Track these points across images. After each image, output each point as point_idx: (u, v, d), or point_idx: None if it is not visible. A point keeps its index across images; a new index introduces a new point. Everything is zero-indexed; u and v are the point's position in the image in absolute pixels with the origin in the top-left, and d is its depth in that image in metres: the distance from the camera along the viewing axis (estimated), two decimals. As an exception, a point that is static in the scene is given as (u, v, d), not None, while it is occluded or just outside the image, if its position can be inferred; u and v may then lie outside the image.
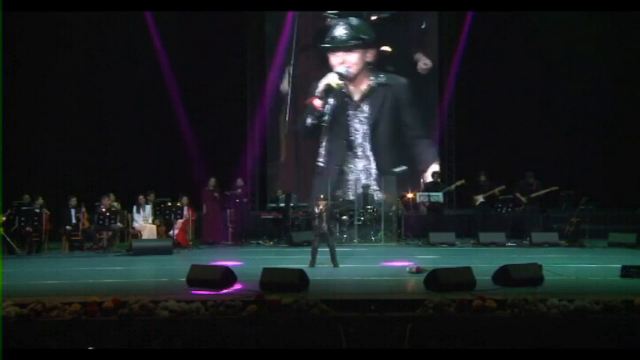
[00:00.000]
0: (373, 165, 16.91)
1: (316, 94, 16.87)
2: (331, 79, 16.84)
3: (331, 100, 16.85)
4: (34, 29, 15.39)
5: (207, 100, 16.19)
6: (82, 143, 15.89)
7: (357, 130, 16.95)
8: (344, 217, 14.31)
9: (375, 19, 16.86)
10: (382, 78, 16.88)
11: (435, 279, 7.38)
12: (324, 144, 17.00)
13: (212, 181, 14.52)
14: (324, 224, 10.00)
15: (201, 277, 7.67)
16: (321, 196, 10.78)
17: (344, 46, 16.80)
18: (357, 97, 16.96)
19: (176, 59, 15.94)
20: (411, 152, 16.92)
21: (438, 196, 14.43)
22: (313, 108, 16.96)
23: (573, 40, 15.99)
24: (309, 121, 17.01)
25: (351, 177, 16.80)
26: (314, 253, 9.97)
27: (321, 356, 5.88)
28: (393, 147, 16.97)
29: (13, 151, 14.44)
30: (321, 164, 16.86)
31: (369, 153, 16.94)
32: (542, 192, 14.09)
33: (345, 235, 14.44)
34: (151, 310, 6.30)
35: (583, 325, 6.24)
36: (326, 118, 16.88)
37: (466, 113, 16.80)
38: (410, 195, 15.13)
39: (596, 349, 6.00)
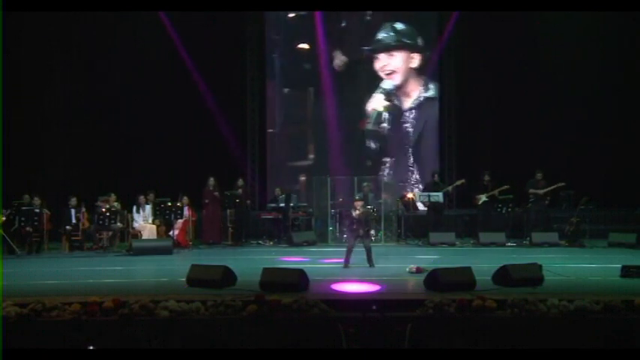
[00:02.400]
0: (416, 177, 16.92)
1: (367, 119, 16.97)
2: (377, 104, 16.91)
3: (386, 116, 16.94)
4: (34, 29, 15.38)
5: (207, 99, 16.18)
6: (82, 143, 15.89)
7: (412, 144, 17.01)
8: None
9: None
10: (431, 90, 16.94)
11: (435, 279, 7.38)
12: (388, 162, 17.06)
13: (211, 180, 14.51)
14: (361, 227, 9.99)
15: (201, 277, 7.67)
16: (357, 198, 10.82)
17: (386, 49, 16.83)
18: (406, 106, 17.02)
19: (176, 59, 15.93)
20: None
21: (438, 196, 14.43)
22: (370, 131, 17.03)
23: (574, 40, 15.96)
24: (372, 145, 17.09)
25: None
26: (349, 253, 9.98)
27: (321, 356, 5.89)
28: (436, 160, 16.96)
29: (13, 151, 14.42)
30: (386, 178, 16.42)
31: (413, 164, 17.00)
32: (552, 187, 14.07)
33: (345, 235, 14.41)
34: (151, 310, 6.31)
35: (583, 325, 6.24)
36: (382, 127, 16.94)
37: (466, 113, 16.79)
38: (410, 195, 15.12)
39: (596, 349, 6.00)
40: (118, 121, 15.90)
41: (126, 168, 15.50)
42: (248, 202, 15.15)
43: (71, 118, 15.93)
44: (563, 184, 14.10)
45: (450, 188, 15.35)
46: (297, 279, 7.41)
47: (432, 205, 14.57)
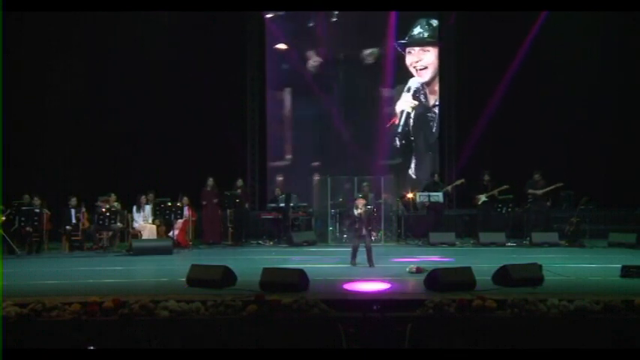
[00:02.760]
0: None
1: (395, 117, 17.00)
2: (405, 104, 16.94)
3: (412, 115, 17.01)
4: (34, 29, 15.38)
5: (207, 99, 16.16)
6: (82, 143, 15.88)
7: (431, 136, 17.06)
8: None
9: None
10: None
11: (435, 279, 7.39)
12: (414, 159, 17.12)
13: (210, 181, 14.52)
14: (363, 227, 10.03)
15: (201, 277, 7.68)
16: (360, 196, 10.84)
17: (420, 44, 16.88)
18: (431, 102, 17.09)
19: (176, 59, 15.91)
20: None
21: (438, 196, 14.43)
22: (396, 128, 17.06)
23: (574, 40, 15.97)
24: (399, 143, 17.10)
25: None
26: (355, 253, 10.06)
27: (321, 356, 5.89)
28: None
29: (13, 151, 14.42)
30: (414, 176, 16.77)
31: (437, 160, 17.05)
32: (550, 188, 14.07)
33: (345, 235, 14.43)
34: (151, 310, 6.31)
35: (583, 325, 6.24)
36: (410, 127, 17.00)
37: (466, 113, 16.79)
38: (410, 195, 15.12)
39: (596, 349, 6.00)
40: (118, 121, 15.87)
41: (126, 168, 15.49)
42: (247, 204, 15.15)
43: (71, 118, 15.92)
44: (561, 184, 14.10)
45: (449, 188, 15.34)
46: (297, 279, 7.41)
47: (432, 205, 14.57)
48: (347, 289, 7.69)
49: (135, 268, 10.38)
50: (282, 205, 14.77)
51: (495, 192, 14.23)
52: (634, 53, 15.80)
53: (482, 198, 14.42)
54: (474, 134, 16.50)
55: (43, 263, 11.28)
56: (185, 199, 14.01)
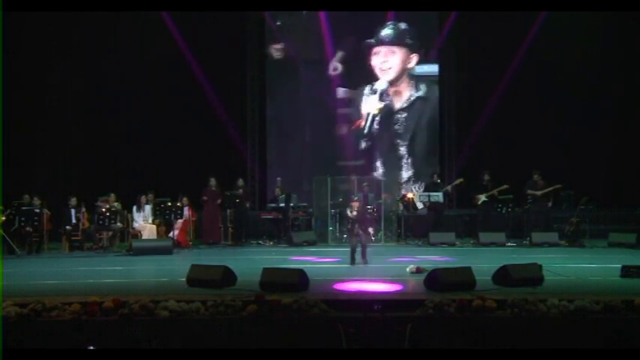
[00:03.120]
0: (410, 175, 17.05)
1: (361, 120, 17.08)
2: (371, 106, 16.95)
3: (378, 119, 17.06)
4: (34, 29, 15.39)
5: (207, 99, 16.19)
6: (82, 143, 15.89)
7: (402, 143, 17.10)
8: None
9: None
10: (421, 91, 16.99)
11: (435, 279, 7.38)
12: (380, 160, 17.14)
13: (212, 180, 14.52)
14: (357, 226, 10.18)
15: (201, 277, 7.67)
16: (355, 198, 10.95)
17: (387, 45, 16.90)
18: (397, 106, 17.09)
19: (176, 59, 15.93)
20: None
21: (438, 196, 14.43)
22: (361, 130, 17.09)
23: (574, 40, 15.98)
24: (363, 145, 17.14)
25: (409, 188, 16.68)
26: (353, 253, 10.19)
27: (321, 356, 5.88)
28: (429, 159, 17.05)
29: (13, 151, 14.43)
30: (381, 178, 16.49)
31: (409, 163, 17.08)
32: (549, 189, 14.08)
33: (345, 235, 14.43)
34: (151, 310, 6.31)
35: (583, 325, 6.24)
36: (375, 129, 17.04)
37: (466, 113, 16.80)
38: (410, 195, 15.12)
39: (596, 349, 6.00)
40: (118, 121, 15.90)
41: (126, 168, 15.50)
42: (247, 204, 15.15)
43: (71, 118, 15.93)
44: (559, 185, 14.09)
45: (449, 188, 15.35)
46: (297, 279, 7.40)
47: (432, 205, 14.58)
48: (338, 289, 7.69)
49: (135, 268, 10.37)
50: (282, 205, 14.78)
51: (495, 192, 14.23)
52: (634, 53, 15.81)
53: (482, 198, 14.42)
54: (474, 134, 16.52)
55: (43, 263, 11.28)
56: (185, 199, 14.01)
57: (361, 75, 17.10)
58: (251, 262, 10.49)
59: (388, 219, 14.66)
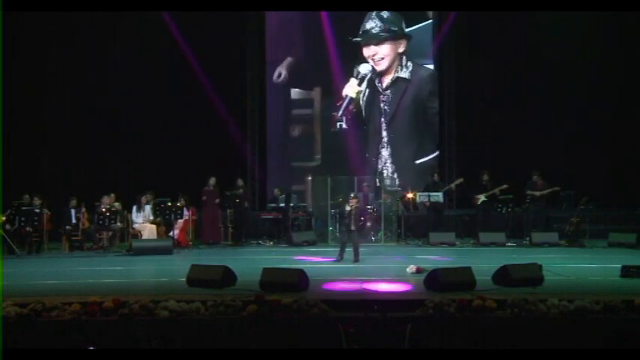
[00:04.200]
0: (388, 156, 17.02)
1: (342, 100, 17.00)
2: (350, 89, 16.92)
3: (366, 91, 17.03)
4: (35, 29, 15.39)
5: (207, 99, 16.18)
6: (82, 143, 15.89)
7: (381, 120, 17.09)
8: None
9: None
10: (405, 72, 16.94)
11: (435, 279, 7.38)
12: (357, 138, 17.13)
13: (212, 180, 14.52)
14: (352, 222, 10.44)
15: (201, 277, 7.67)
16: (352, 195, 11.14)
17: (375, 39, 16.84)
18: (384, 85, 17.07)
19: (176, 59, 15.93)
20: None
21: (438, 196, 14.43)
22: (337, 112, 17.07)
23: (575, 40, 15.98)
24: (338, 126, 17.10)
25: (386, 167, 16.95)
26: (342, 248, 10.53)
27: (321, 356, 5.88)
28: (411, 140, 17.03)
29: (13, 151, 14.43)
30: (367, 155, 16.98)
31: (387, 143, 17.04)
32: (545, 191, 14.09)
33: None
34: (151, 310, 6.31)
35: (583, 325, 6.24)
36: (351, 110, 16.97)
37: (465, 113, 16.80)
38: (410, 195, 15.12)
39: (596, 349, 6.00)
40: (118, 121, 15.91)
41: (126, 168, 15.49)
42: (246, 203, 15.16)
43: (71, 118, 15.93)
44: (558, 188, 14.10)
45: (452, 186, 15.35)
46: (297, 279, 7.41)
47: (432, 205, 14.58)
48: (338, 289, 7.70)
49: (135, 268, 10.37)
50: (282, 205, 14.78)
51: (497, 190, 14.22)
52: (634, 53, 15.80)
53: (482, 198, 14.42)
54: (474, 134, 16.52)
55: (43, 263, 11.27)
56: (185, 199, 14.00)
57: (316, 76, 17.14)
58: (251, 262, 10.49)
59: (388, 219, 14.66)
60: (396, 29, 16.82)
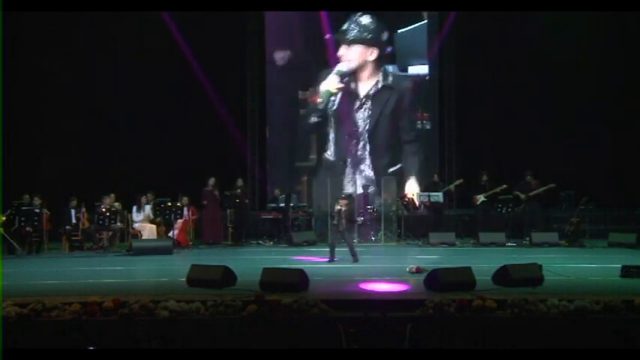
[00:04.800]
0: (369, 163, 17.01)
1: (318, 95, 17.05)
2: (330, 84, 16.94)
3: (338, 96, 17.05)
4: (35, 29, 15.40)
5: (207, 99, 16.19)
6: (82, 143, 15.89)
7: (359, 127, 17.07)
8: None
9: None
10: (388, 80, 16.97)
11: (435, 279, 7.38)
12: (331, 137, 17.13)
13: (212, 180, 14.52)
14: (342, 223, 10.47)
15: (201, 277, 7.67)
16: (342, 196, 11.18)
17: (346, 41, 16.92)
18: (362, 94, 17.05)
19: (176, 59, 15.93)
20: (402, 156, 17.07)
21: (438, 196, 14.44)
22: (315, 105, 17.10)
23: (574, 40, 15.98)
24: (313, 119, 17.14)
25: (356, 173, 16.95)
26: (332, 249, 10.56)
27: (321, 356, 5.88)
28: (389, 149, 17.05)
29: (13, 151, 14.43)
30: (330, 158, 16.96)
31: (368, 151, 17.02)
32: (540, 190, 14.09)
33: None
34: (151, 310, 6.31)
35: (583, 325, 6.24)
36: (333, 109, 17.04)
37: (466, 113, 16.81)
38: (410, 195, 15.12)
39: (596, 349, 6.00)
40: (118, 121, 15.91)
41: (126, 168, 15.49)
42: (246, 201, 15.16)
43: (71, 118, 15.92)
44: (554, 185, 14.09)
45: (452, 187, 15.36)
46: (297, 279, 7.40)
47: (432, 205, 14.58)
48: (338, 289, 7.69)
49: (135, 268, 10.38)
50: (282, 205, 14.78)
51: (498, 190, 14.24)
52: (634, 53, 15.81)
53: (481, 198, 14.44)
54: (473, 134, 16.52)
55: (43, 263, 11.28)
56: (185, 199, 14.01)
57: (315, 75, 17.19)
58: (251, 262, 10.49)
59: (388, 219, 14.66)
60: (369, 36, 16.86)
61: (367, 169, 16.91)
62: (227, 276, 7.62)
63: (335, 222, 10.71)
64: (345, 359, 5.95)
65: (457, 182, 15.24)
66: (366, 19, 16.79)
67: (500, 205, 14.19)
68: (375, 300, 6.76)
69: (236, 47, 16.74)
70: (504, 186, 14.21)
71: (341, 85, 16.88)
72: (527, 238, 13.64)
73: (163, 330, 6.21)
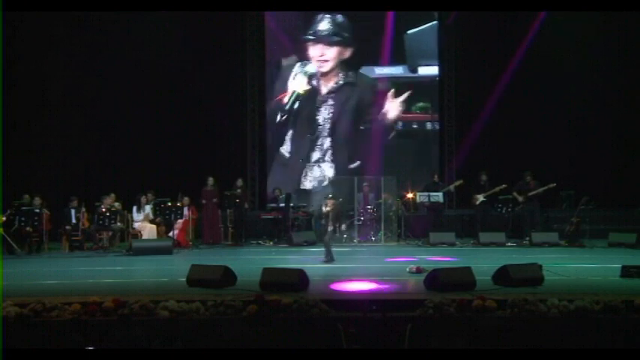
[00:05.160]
0: (328, 160, 17.16)
1: (285, 93, 17.24)
2: (298, 86, 17.12)
3: (301, 99, 17.23)
4: (35, 29, 15.38)
5: (207, 99, 16.19)
6: (82, 143, 15.89)
7: (320, 125, 17.18)
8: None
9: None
10: (351, 77, 17.09)
11: (435, 279, 7.38)
12: (289, 135, 17.27)
13: (210, 180, 14.52)
14: (329, 223, 10.56)
15: (201, 277, 7.67)
16: (330, 196, 11.15)
17: (325, 41, 17.02)
18: (324, 91, 17.18)
19: (176, 59, 15.93)
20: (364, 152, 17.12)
21: (438, 196, 14.44)
22: (283, 105, 17.26)
23: (573, 40, 15.98)
24: (279, 118, 17.27)
25: (315, 170, 17.12)
26: (329, 248, 10.58)
27: (321, 356, 5.88)
28: (349, 145, 17.17)
29: (13, 151, 14.43)
30: (287, 155, 17.13)
31: (329, 148, 17.15)
32: (540, 190, 14.09)
33: (345, 235, 14.44)
34: (151, 310, 6.31)
35: (583, 325, 6.24)
36: (295, 107, 17.20)
37: (466, 113, 16.81)
38: (410, 195, 15.13)
39: (596, 349, 6.00)
40: (118, 121, 15.91)
41: (126, 168, 15.50)
42: (246, 204, 15.17)
43: (71, 118, 15.92)
44: (554, 184, 14.07)
45: (452, 187, 15.36)
46: (297, 279, 7.40)
47: (432, 205, 14.58)
48: (338, 289, 7.69)
49: (135, 268, 10.37)
50: (282, 205, 14.78)
51: (497, 189, 14.23)
52: (634, 53, 15.81)
53: (480, 198, 14.44)
54: (473, 134, 16.52)
55: (43, 263, 11.27)
56: (186, 199, 14.02)
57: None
58: (251, 262, 10.49)
59: (388, 219, 14.66)
60: (346, 35, 16.98)
61: (326, 166, 17.05)
62: (227, 276, 7.62)
63: (323, 222, 10.82)
64: (345, 359, 5.95)
65: (457, 183, 15.24)
66: (341, 19, 16.95)
67: (500, 205, 14.19)
68: (375, 300, 6.74)
69: (236, 47, 16.73)
70: (503, 186, 14.20)
71: (309, 87, 17.07)
72: (527, 238, 13.64)
73: (163, 330, 6.21)
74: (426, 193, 14.56)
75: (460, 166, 16.63)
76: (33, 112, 15.74)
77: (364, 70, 17.14)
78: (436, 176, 15.27)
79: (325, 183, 16.66)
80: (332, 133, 17.13)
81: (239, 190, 14.75)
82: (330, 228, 10.61)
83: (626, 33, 15.80)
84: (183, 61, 16.00)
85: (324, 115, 17.16)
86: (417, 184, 15.40)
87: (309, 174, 17.08)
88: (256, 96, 17.26)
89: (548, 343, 6.15)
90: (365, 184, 15.11)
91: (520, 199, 14.14)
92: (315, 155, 17.16)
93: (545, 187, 14.07)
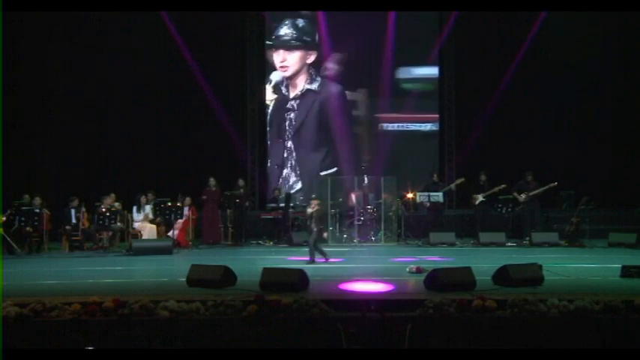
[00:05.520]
0: (294, 164, 17.26)
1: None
2: (268, 94, 17.26)
3: (272, 103, 17.33)
4: (34, 29, 15.40)
5: (207, 99, 16.19)
6: (82, 143, 15.90)
7: (288, 130, 17.30)
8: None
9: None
10: (315, 84, 17.19)
11: (435, 279, 7.38)
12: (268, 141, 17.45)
13: (212, 180, 14.52)
14: (313, 224, 10.55)
15: (201, 277, 7.67)
16: (313, 196, 11.25)
17: (286, 46, 17.09)
18: (292, 95, 17.27)
19: (176, 59, 15.94)
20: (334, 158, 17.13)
21: (438, 196, 14.44)
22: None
23: (573, 40, 15.99)
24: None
25: (284, 174, 17.27)
26: (320, 249, 10.58)
27: (321, 356, 5.88)
28: (315, 151, 17.20)
29: (13, 151, 14.43)
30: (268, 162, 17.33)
31: (293, 154, 17.26)
32: (540, 190, 14.09)
33: (344, 235, 14.44)
34: (150, 310, 6.31)
35: (583, 325, 6.24)
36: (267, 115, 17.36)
37: (466, 113, 16.81)
38: (410, 195, 15.12)
39: (596, 349, 6.00)
40: (118, 122, 15.92)
41: (126, 168, 15.50)
42: (247, 203, 15.17)
43: (71, 118, 15.92)
44: (554, 183, 14.07)
45: (453, 186, 15.36)
46: (297, 279, 7.40)
47: (432, 205, 14.58)
48: (338, 289, 7.69)
49: (135, 268, 10.37)
50: (282, 205, 14.78)
51: (497, 189, 14.23)
52: (634, 53, 15.81)
53: (480, 198, 14.44)
54: (473, 134, 16.53)
55: (43, 263, 11.26)
56: (187, 199, 14.01)
57: (358, 76, 17.16)
58: (251, 262, 10.49)
59: (388, 219, 14.66)
60: (308, 39, 17.02)
61: (292, 172, 17.16)
62: (227, 276, 7.62)
63: (308, 223, 10.81)
64: (345, 359, 5.95)
65: (459, 181, 15.23)
66: (301, 22, 17.02)
67: (500, 205, 14.20)
68: (375, 300, 6.74)
69: (236, 47, 16.73)
70: (503, 186, 14.21)
71: (275, 97, 17.20)
72: (527, 238, 13.64)
73: (163, 330, 6.21)
74: (426, 193, 14.56)
75: (460, 166, 16.62)
76: (33, 112, 15.75)
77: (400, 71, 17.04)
78: (436, 176, 15.26)
79: (298, 188, 16.73)
80: (297, 138, 17.19)
81: (241, 190, 14.75)
82: (314, 229, 10.54)
83: (626, 33, 15.81)
84: (183, 61, 16.01)
85: (291, 121, 17.25)
86: (417, 184, 15.39)
87: (281, 180, 17.15)
88: (256, 96, 17.25)
89: (548, 343, 6.15)
90: (365, 184, 15.10)
91: (521, 198, 14.13)
92: (286, 161, 17.25)
93: (547, 187, 14.06)
